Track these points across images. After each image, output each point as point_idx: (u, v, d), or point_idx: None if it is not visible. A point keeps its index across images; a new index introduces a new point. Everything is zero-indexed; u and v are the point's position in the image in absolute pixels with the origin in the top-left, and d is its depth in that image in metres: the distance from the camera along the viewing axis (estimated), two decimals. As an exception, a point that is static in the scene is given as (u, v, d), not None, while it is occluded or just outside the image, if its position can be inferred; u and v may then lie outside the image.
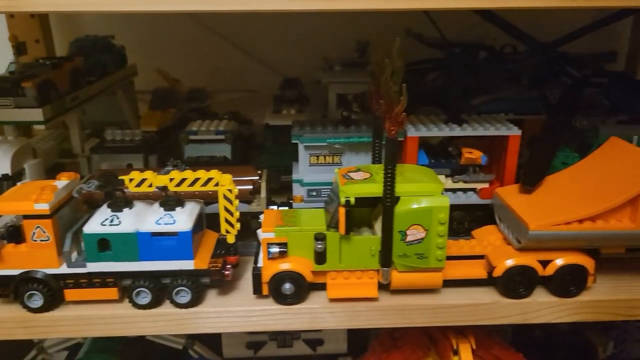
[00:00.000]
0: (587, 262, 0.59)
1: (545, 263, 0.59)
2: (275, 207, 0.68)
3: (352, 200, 0.56)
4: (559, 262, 0.59)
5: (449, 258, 0.62)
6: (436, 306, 0.61)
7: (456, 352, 0.68)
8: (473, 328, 0.75)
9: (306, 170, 0.68)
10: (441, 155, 0.71)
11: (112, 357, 0.78)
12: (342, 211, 0.56)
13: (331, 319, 0.60)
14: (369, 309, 0.60)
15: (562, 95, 0.77)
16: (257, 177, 0.69)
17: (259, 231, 0.59)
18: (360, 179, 0.59)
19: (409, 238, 0.57)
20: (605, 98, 0.77)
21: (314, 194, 0.68)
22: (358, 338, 0.94)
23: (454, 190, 0.71)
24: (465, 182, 0.70)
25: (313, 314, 0.60)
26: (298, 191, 0.69)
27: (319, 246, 0.58)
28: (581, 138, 0.70)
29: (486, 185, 0.69)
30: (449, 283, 0.61)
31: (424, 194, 0.56)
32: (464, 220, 0.70)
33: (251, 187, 0.68)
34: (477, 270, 0.61)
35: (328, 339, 0.96)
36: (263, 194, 0.69)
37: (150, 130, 0.91)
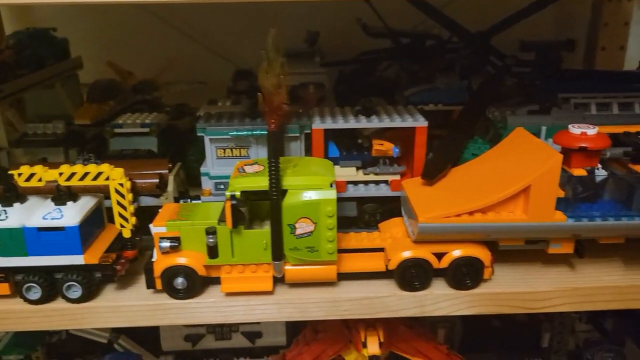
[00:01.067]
0: (483, 254, 0.59)
1: (440, 255, 0.59)
2: (188, 201, 0.68)
3: (238, 194, 0.55)
4: (454, 254, 0.58)
5: (349, 251, 0.62)
6: (333, 299, 0.60)
7: (365, 345, 0.68)
8: (393, 320, 0.75)
9: (213, 164, 0.68)
10: (354, 147, 0.70)
11: (30, 351, 0.78)
12: (227, 205, 0.55)
13: (229, 313, 0.60)
14: (263, 303, 0.60)
15: (480, 85, 0.76)
16: (166, 171, 0.69)
17: (151, 225, 0.59)
18: (253, 172, 0.58)
19: (298, 231, 0.57)
20: (526, 88, 0.76)
21: (222, 187, 0.68)
22: (297, 331, 0.94)
23: (366, 183, 0.70)
24: (376, 174, 0.69)
25: (208, 308, 0.60)
26: (206, 184, 0.69)
27: (210, 240, 0.57)
28: (495, 129, 0.70)
29: (397, 177, 0.69)
30: (347, 276, 0.61)
31: (312, 187, 0.56)
32: (376, 212, 0.70)
33: (157, 180, 0.67)
34: (375, 263, 0.61)
35: (267, 331, 0.96)
36: (170, 187, 0.68)
37: (84, 123, 0.91)
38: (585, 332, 1.06)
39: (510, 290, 0.61)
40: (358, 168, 0.70)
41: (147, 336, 0.95)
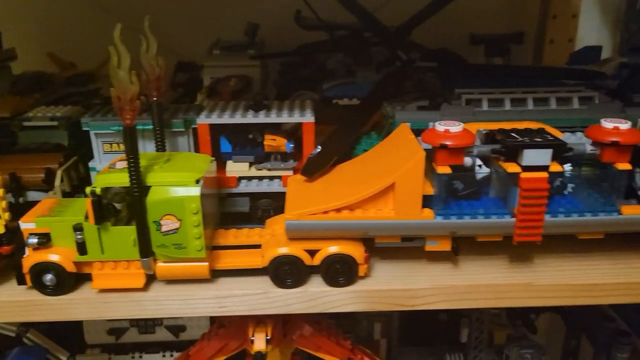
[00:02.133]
0: (356, 251, 0.58)
1: (313, 252, 0.58)
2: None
3: (98, 190, 0.55)
4: (326, 251, 0.58)
5: (226, 247, 0.61)
6: (212, 296, 0.60)
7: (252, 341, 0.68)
8: (297, 317, 0.75)
9: (100, 159, 0.67)
10: (248, 143, 0.70)
11: None
12: (88, 202, 0.55)
13: (103, 309, 0.60)
14: (137, 300, 0.59)
15: (380, 80, 0.75)
16: (55, 165, 0.68)
17: (20, 221, 0.58)
18: (121, 168, 0.58)
19: (163, 228, 0.56)
20: (427, 83, 0.75)
21: (109, 182, 0.67)
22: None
23: (260, 178, 0.69)
24: (268, 169, 0.69)
25: (80, 305, 0.59)
26: (96, 180, 0.68)
27: (78, 237, 0.57)
28: (388, 124, 0.69)
29: (290, 173, 0.68)
30: (224, 273, 0.61)
31: (176, 183, 0.55)
32: (269, 208, 0.69)
33: (42, 175, 0.67)
34: (252, 259, 0.60)
35: (190, 325, 0.96)
36: (58, 182, 0.68)
37: (3, 115, 0.90)
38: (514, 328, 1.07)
39: (387, 287, 0.60)
40: (252, 164, 0.69)
41: (71, 330, 0.95)
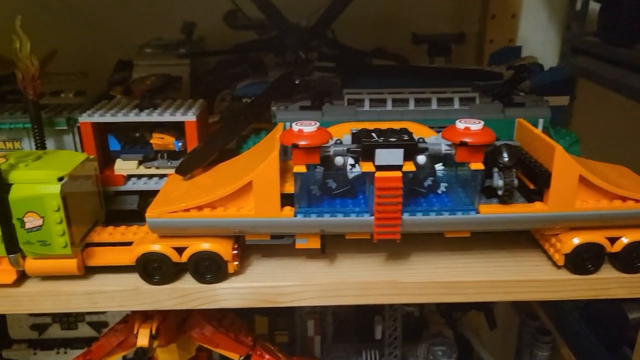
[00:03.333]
0: (224, 249, 0.59)
1: (180, 250, 0.59)
2: None
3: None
4: (193, 249, 0.59)
5: (101, 244, 0.62)
6: (83, 292, 0.61)
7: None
8: (197, 313, 0.76)
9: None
10: (138, 141, 0.71)
11: None
12: (-50, 199, 0.56)
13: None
14: (8, 295, 0.60)
15: (274, 80, 0.76)
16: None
17: None
18: (-10, 165, 0.59)
19: (27, 225, 0.57)
20: (323, 84, 0.76)
21: (-3, 180, 0.68)
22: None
23: (149, 176, 0.71)
24: (157, 167, 0.70)
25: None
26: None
27: (-52, 233, 0.58)
28: (273, 124, 0.70)
29: (178, 171, 0.69)
30: (104, 270, 0.62)
31: (37, 181, 0.56)
32: (158, 206, 0.70)
33: None
34: (124, 256, 0.61)
35: (113, 321, 0.97)
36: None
37: None
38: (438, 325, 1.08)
39: (256, 284, 0.61)
40: (141, 162, 0.71)
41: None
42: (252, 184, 0.56)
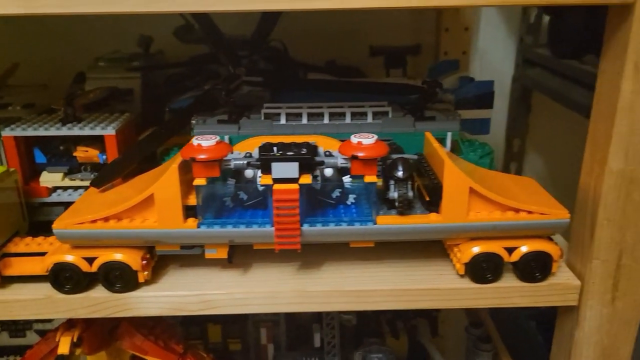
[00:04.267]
0: (132, 259, 0.61)
1: (91, 260, 0.61)
2: None
3: None
4: (102, 259, 0.61)
5: (18, 255, 0.64)
6: (3, 301, 0.63)
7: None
8: (127, 320, 0.78)
9: None
10: (64, 154, 0.73)
11: None
12: None
13: None
14: None
15: (201, 94, 0.78)
16: None
17: None
18: None
19: (-60, 236, 0.59)
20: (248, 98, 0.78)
21: None
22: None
23: (75, 188, 0.73)
24: (80, 179, 0.72)
25: None
26: None
27: None
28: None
29: (102, 183, 0.71)
30: (17, 279, 0.64)
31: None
32: (84, 217, 0.72)
33: None
34: (39, 266, 0.63)
35: (59, 329, 0.99)
36: None
37: None
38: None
39: (166, 293, 0.63)
40: (66, 174, 0.73)
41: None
42: (154, 196, 0.58)
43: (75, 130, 0.69)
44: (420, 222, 0.60)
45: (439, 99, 0.85)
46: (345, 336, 0.99)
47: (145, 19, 1.18)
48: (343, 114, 0.71)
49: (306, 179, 0.58)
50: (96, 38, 1.19)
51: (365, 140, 0.57)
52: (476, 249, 0.61)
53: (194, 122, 0.71)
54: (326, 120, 0.70)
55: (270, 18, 0.82)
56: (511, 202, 0.59)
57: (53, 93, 1.18)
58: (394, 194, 0.59)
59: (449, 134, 0.69)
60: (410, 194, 0.59)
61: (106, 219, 0.59)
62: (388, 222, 0.60)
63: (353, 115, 0.71)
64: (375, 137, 0.58)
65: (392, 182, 0.59)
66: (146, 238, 0.60)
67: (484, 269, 0.62)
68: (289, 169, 0.57)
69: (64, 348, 0.70)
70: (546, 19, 1.15)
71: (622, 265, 0.62)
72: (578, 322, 0.65)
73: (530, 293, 0.63)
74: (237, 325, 1.13)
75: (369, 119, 0.70)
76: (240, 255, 0.68)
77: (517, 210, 0.60)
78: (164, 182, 0.57)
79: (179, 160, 0.58)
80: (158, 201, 0.58)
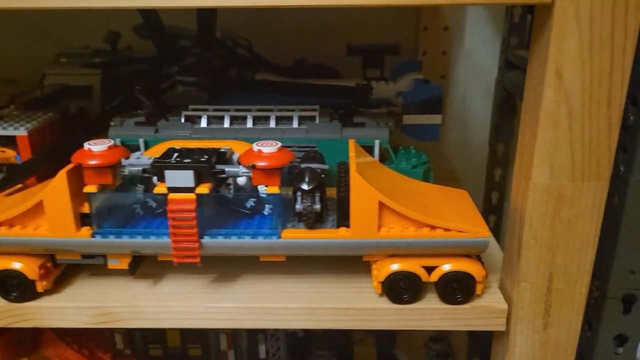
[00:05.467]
0: (28, 268, 0.58)
1: (-11, 268, 0.59)
2: None
3: None
4: (-3, 267, 0.58)
5: None
6: None
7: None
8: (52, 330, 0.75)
9: None
10: (-15, 154, 0.70)
11: None
12: None
13: None
14: None
15: (127, 94, 0.75)
16: None
17: None
18: None
19: None
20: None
21: None
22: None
23: (-8, 190, 0.70)
24: (-2, 181, 0.69)
25: None
26: None
27: None
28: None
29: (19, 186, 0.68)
30: None
31: None
32: None
33: None
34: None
35: None
36: None
37: None
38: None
39: (64, 304, 0.60)
40: (-17, 175, 0.70)
41: None
42: (43, 203, 0.55)
43: (-11, 131, 0.66)
44: (327, 237, 0.56)
45: (386, 102, 0.81)
46: (293, 348, 0.95)
47: (115, 14, 1.16)
48: (267, 118, 0.66)
49: (204, 189, 0.54)
50: (69, 33, 1.17)
51: (266, 149, 0.53)
52: (394, 267, 0.57)
53: (112, 123, 0.67)
54: (249, 124, 0.66)
55: (206, 12, 0.79)
56: (426, 218, 0.55)
57: (22, 88, 1.17)
58: (299, 206, 0.55)
59: (377, 142, 0.64)
60: (318, 206, 0.55)
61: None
62: (293, 237, 0.56)
63: (279, 119, 0.66)
64: (279, 145, 0.54)
65: (298, 193, 0.55)
66: (37, 246, 0.57)
67: (401, 289, 0.57)
68: (184, 177, 0.53)
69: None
70: (530, 18, 1.10)
71: (553, 289, 0.57)
72: (508, 348, 0.60)
73: (452, 316, 0.58)
74: (196, 330, 1.10)
75: (295, 123, 0.66)
76: (154, 265, 0.64)
77: (433, 227, 0.55)
78: (52, 189, 0.54)
79: (70, 166, 0.54)
80: (48, 208, 0.55)
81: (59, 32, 1.18)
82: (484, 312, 0.58)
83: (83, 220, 0.57)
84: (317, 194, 0.55)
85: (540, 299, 0.58)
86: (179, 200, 0.54)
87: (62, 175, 0.54)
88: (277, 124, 0.66)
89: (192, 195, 0.54)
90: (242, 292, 0.61)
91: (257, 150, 0.53)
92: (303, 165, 0.56)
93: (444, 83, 1.23)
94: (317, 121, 0.66)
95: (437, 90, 0.77)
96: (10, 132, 0.66)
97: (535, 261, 0.56)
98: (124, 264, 0.59)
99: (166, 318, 0.60)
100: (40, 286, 0.59)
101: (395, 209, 0.54)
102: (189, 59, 0.87)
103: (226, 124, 0.66)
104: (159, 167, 0.53)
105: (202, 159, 0.54)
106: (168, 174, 0.53)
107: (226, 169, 0.55)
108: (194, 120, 0.67)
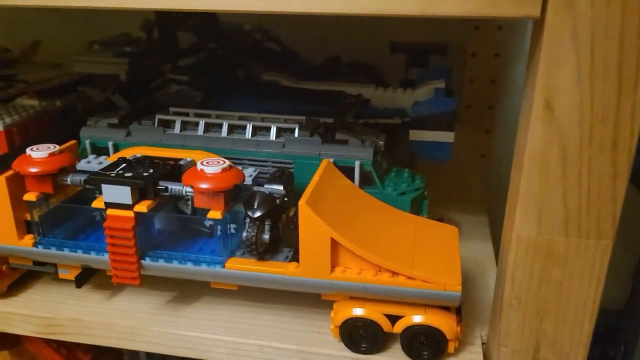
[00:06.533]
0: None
1: None
2: None
3: None
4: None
5: None
6: None
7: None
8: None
9: None
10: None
11: None
12: None
13: None
14: None
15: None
16: None
17: None
18: None
19: None
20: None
21: None
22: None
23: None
24: (-20, 174, 0.69)
25: None
26: None
27: None
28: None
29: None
30: None
31: None
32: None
33: None
34: None
35: None
36: None
37: None
38: None
39: (16, 310, 0.58)
40: (-30, 166, 0.70)
41: None
42: (-14, 208, 0.52)
43: (-36, 123, 0.65)
44: (275, 272, 0.49)
45: (401, 112, 0.73)
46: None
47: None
48: (244, 128, 0.61)
49: (142, 207, 0.49)
50: (114, 19, 1.17)
51: (209, 169, 0.47)
52: (354, 311, 0.49)
53: (88, 123, 0.64)
54: (224, 134, 0.60)
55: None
56: (387, 262, 0.47)
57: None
58: (245, 234, 0.49)
59: (357, 163, 0.56)
60: (267, 236, 0.49)
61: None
62: (238, 268, 0.50)
63: (257, 129, 0.60)
64: (227, 163, 0.48)
65: (247, 220, 0.49)
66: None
67: (360, 336, 0.50)
68: (121, 193, 0.49)
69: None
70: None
71: (540, 359, 0.48)
72: (485, 421, 0.51)
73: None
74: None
75: (272, 136, 0.60)
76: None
77: (395, 273, 0.47)
78: (-9, 195, 0.51)
79: (10, 172, 0.51)
80: (-9, 214, 0.52)
81: (104, 18, 1.17)
82: (453, 375, 0.50)
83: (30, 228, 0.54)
84: (267, 222, 0.49)
85: (524, 368, 0.48)
86: (116, 218, 0.49)
87: (1, 182, 0.51)
88: (254, 134, 0.60)
89: (130, 213, 0.49)
90: (192, 318, 0.56)
91: (200, 169, 0.48)
92: (256, 188, 0.50)
93: (494, 87, 1.11)
94: (296, 134, 0.59)
95: (451, 105, 0.68)
96: (-14, 126, 0.65)
97: (519, 325, 0.47)
98: (72, 275, 0.56)
99: (110, 337, 0.56)
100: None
101: (350, 248, 0.47)
102: (197, 54, 0.83)
103: (200, 131, 0.61)
104: (96, 181, 0.49)
105: (146, 174, 0.50)
106: (105, 188, 0.49)
107: (170, 187, 0.50)
108: (168, 124, 0.62)
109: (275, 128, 0.60)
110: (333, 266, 0.48)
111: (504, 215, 0.49)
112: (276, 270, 0.49)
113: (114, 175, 0.49)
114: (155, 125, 0.62)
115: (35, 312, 0.57)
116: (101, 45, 1.10)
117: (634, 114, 0.39)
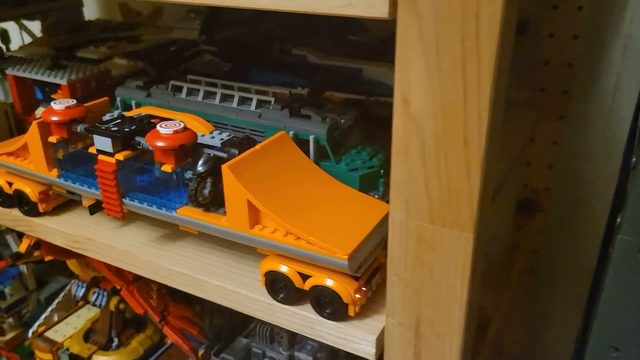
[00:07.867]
0: (32, 193, 0.74)
1: (10, 184, 0.76)
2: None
3: None
4: (13, 186, 0.75)
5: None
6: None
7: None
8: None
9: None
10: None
11: None
12: None
13: None
14: None
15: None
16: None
17: None
18: None
19: None
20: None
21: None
22: None
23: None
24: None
25: None
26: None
27: None
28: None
29: None
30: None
31: None
32: None
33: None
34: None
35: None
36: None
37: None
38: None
39: (54, 226, 0.75)
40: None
41: None
42: (27, 144, 0.69)
43: (38, 76, 0.83)
44: (211, 222, 0.59)
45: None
46: None
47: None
48: (232, 97, 0.70)
49: (119, 156, 0.61)
50: None
51: (163, 130, 0.58)
52: (274, 266, 0.57)
53: (124, 84, 0.78)
54: (217, 101, 0.70)
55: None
56: (290, 226, 0.54)
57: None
58: (189, 187, 0.59)
59: (312, 137, 0.63)
60: (207, 190, 0.58)
61: (10, 154, 0.73)
62: (186, 214, 0.60)
63: (243, 100, 0.69)
64: (181, 125, 0.58)
65: (192, 174, 0.59)
66: (24, 174, 0.72)
67: (279, 287, 0.58)
68: (105, 142, 0.61)
69: (22, 247, 0.88)
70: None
71: (421, 335, 0.52)
72: (381, 382, 0.56)
73: (319, 328, 0.57)
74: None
75: (253, 106, 0.68)
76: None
77: (298, 237, 0.54)
78: (29, 135, 0.67)
79: (40, 119, 0.67)
80: (30, 148, 0.69)
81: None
82: (348, 334, 0.55)
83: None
84: (208, 179, 0.58)
85: (410, 342, 0.52)
86: (103, 162, 0.62)
87: (34, 125, 0.66)
88: (241, 104, 0.69)
89: (112, 159, 0.61)
90: (170, 252, 0.68)
91: (156, 129, 0.58)
92: (208, 151, 0.59)
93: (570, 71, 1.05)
94: (270, 107, 0.67)
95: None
96: (54, 79, 0.82)
97: (401, 301, 0.51)
98: (88, 204, 0.71)
99: (112, 257, 0.71)
100: (41, 207, 0.75)
101: (262, 210, 0.54)
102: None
103: (199, 97, 0.71)
104: (90, 131, 0.62)
105: (127, 129, 0.62)
106: (96, 138, 0.62)
107: (142, 142, 0.61)
108: (180, 90, 0.73)
109: (255, 100, 0.68)
110: (255, 223, 0.56)
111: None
112: (211, 221, 0.58)
113: (103, 128, 0.62)
114: (169, 90, 0.74)
115: (66, 230, 0.74)
116: (194, 14, 1.24)
117: (480, 112, 0.40)
